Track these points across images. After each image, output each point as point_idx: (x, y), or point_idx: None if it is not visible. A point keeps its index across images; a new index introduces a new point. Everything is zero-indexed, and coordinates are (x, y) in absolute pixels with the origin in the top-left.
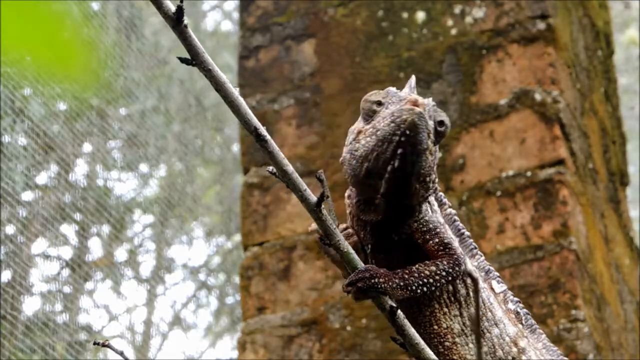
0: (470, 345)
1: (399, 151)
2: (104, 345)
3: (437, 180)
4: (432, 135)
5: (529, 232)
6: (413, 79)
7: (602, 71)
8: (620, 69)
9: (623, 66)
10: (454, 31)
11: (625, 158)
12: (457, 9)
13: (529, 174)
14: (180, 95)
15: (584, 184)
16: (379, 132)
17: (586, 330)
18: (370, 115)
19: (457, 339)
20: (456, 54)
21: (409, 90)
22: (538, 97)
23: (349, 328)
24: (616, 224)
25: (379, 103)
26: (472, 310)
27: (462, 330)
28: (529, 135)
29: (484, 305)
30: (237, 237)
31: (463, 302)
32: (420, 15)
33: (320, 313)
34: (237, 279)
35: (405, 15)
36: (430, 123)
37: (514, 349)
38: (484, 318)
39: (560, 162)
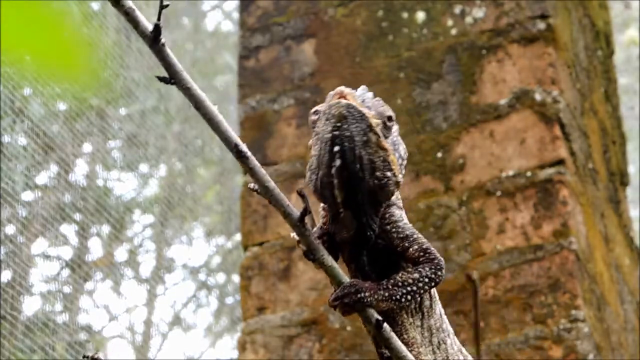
0: (429, 356)
1: (336, 149)
2: (93, 358)
3: (402, 178)
4: (378, 128)
5: (529, 232)
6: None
7: (602, 71)
8: (620, 69)
9: (623, 66)
10: (454, 31)
11: (625, 158)
12: (457, 9)
13: (529, 174)
14: (180, 95)
15: (584, 184)
16: (319, 136)
17: (586, 330)
18: (314, 127)
19: (420, 349)
20: (456, 54)
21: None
22: (538, 97)
23: (349, 328)
24: (616, 224)
25: (316, 112)
26: (432, 322)
27: (422, 340)
28: (529, 135)
29: (440, 316)
30: (237, 237)
31: (425, 314)
32: (420, 15)
33: (320, 313)
34: (237, 279)
35: (405, 15)
36: (372, 112)
37: (461, 357)
38: (440, 329)
39: (560, 162)
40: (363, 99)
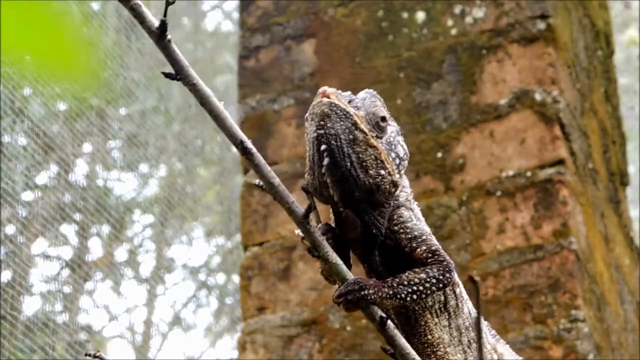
0: (459, 355)
1: (322, 147)
2: (95, 357)
3: (402, 178)
4: (364, 126)
5: (529, 232)
6: None
7: (602, 71)
8: (620, 69)
9: (623, 66)
10: (454, 31)
11: (625, 158)
12: (457, 9)
13: (529, 174)
14: (180, 95)
15: (584, 184)
16: (308, 137)
17: (586, 330)
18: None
19: (448, 349)
20: (456, 54)
21: None
22: (538, 97)
23: (349, 328)
24: (616, 224)
25: (306, 118)
26: (460, 321)
27: (451, 340)
28: (529, 135)
29: (470, 315)
30: (237, 237)
31: (452, 313)
32: (420, 15)
33: (320, 313)
34: (237, 279)
35: (405, 15)
36: (360, 113)
37: (495, 356)
38: (470, 328)
39: (560, 162)
40: (350, 99)
